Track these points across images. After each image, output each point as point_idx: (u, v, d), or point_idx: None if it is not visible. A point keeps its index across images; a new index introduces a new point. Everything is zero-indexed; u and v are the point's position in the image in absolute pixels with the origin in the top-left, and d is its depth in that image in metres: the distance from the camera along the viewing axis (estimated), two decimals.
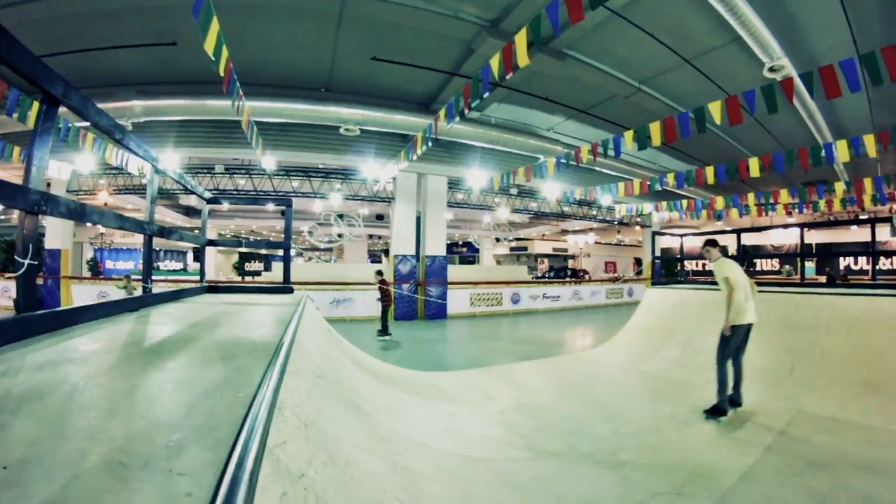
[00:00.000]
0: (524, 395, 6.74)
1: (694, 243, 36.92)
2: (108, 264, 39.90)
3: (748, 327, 6.15)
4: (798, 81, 7.03)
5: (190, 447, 1.45)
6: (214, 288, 7.09)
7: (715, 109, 7.68)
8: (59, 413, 1.65)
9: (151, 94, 12.02)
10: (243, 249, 45.21)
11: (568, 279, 34.11)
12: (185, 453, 1.40)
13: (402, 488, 2.91)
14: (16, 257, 2.85)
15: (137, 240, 39.05)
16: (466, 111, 7.87)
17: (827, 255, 33.63)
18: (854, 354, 6.64)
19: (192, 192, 6.82)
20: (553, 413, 6.00)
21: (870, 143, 9.43)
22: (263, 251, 44.34)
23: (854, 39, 9.72)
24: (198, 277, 7.66)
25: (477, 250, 43.47)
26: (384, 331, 13.04)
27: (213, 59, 6.47)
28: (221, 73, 6.81)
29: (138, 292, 5.40)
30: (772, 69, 10.00)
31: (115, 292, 17.98)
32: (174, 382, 2.10)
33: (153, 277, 5.33)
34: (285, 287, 7.22)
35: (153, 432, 1.54)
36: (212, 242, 7.63)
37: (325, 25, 9.71)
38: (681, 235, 12.87)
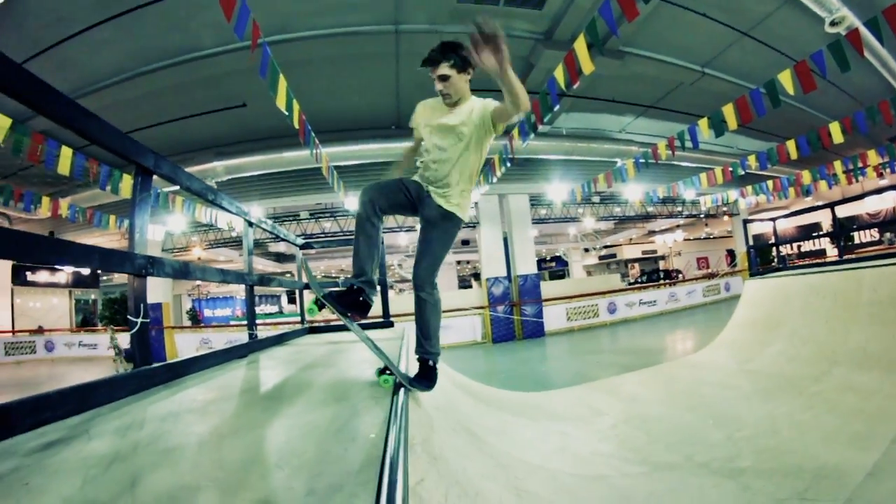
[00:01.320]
0: (632, 407, 6.60)
1: (784, 225, 35.09)
2: (207, 312, 41.95)
3: None
4: (864, 31, 6.72)
5: (335, 495, 1.46)
6: (315, 328, 7.23)
7: (786, 79, 7.43)
8: (193, 464, 1.73)
9: (229, 153, 12.70)
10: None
11: (661, 282, 33.17)
12: (331, 501, 1.42)
13: None
14: (129, 317, 3.04)
15: (231, 288, 41.23)
16: (539, 126, 7.89)
17: None
18: None
19: (284, 240, 7.04)
20: (664, 423, 5.86)
21: None
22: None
23: None
24: (293, 318, 7.89)
25: (566, 263, 43.16)
26: None
27: (287, 113, 6.75)
28: (296, 125, 7.10)
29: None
30: (833, 23, 9.56)
31: (216, 338, 18.72)
32: (301, 427, 2.15)
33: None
34: (386, 322, 7.24)
35: (292, 481, 1.56)
36: (308, 286, 7.83)
37: (385, 66, 10.04)
38: (772, 219, 12.30)
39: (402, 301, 21.73)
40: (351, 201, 16.15)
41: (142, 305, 3.06)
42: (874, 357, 6.47)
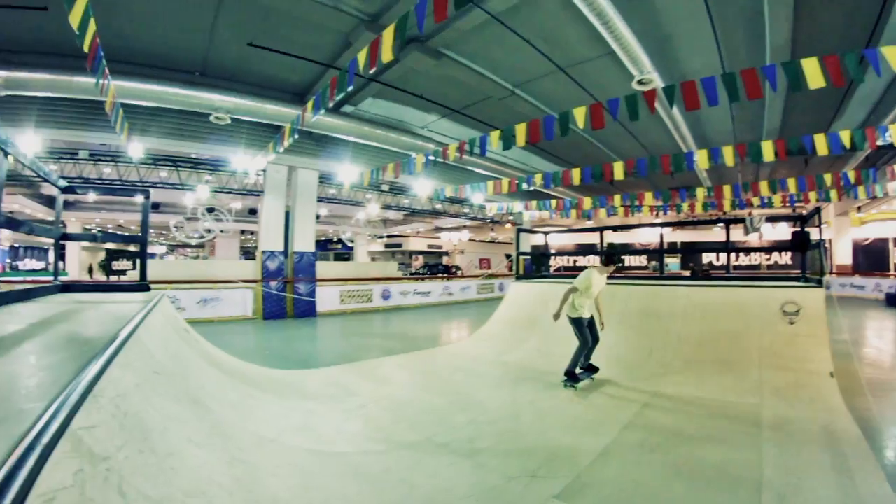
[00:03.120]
0: (385, 389, 6.77)
1: (564, 241, 39.35)
2: None
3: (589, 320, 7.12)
4: (661, 93, 7.49)
5: None
6: (69, 287, 6.56)
7: (579, 114, 8.01)
8: None
9: (15, 64, 10.91)
10: (110, 246, 42.76)
11: (439, 275, 34.58)
12: None
13: (235, 480, 2.88)
14: None
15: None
16: (331, 103, 7.82)
17: (690, 251, 36.88)
18: (709, 339, 7.30)
19: (45, 179, 6.26)
20: (412, 405, 6.07)
21: (728, 154, 10.13)
22: (132, 248, 41.56)
23: (722, 63, 10.50)
24: (63, 279, 7.10)
25: (351, 247, 43.21)
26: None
27: (78, 32, 6.06)
28: (87, 48, 6.40)
29: None
30: (640, 81, 10.54)
31: None
32: None
33: (6, 279, 4.92)
34: (141, 285, 6.78)
35: None
36: (66, 236, 7.09)
37: (204, 4, 9.29)
38: (545, 233, 13.59)
39: (176, 267, 20.59)
40: (135, 147, 14.92)
41: None
42: (618, 358, 7.42)
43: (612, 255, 7.32)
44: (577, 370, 6.95)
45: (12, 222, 5.06)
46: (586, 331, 6.96)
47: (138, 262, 7.30)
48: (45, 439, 1.37)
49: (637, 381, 6.78)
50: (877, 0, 8.24)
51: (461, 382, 7.24)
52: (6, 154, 4.54)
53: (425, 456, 4.47)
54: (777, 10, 8.51)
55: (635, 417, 5.47)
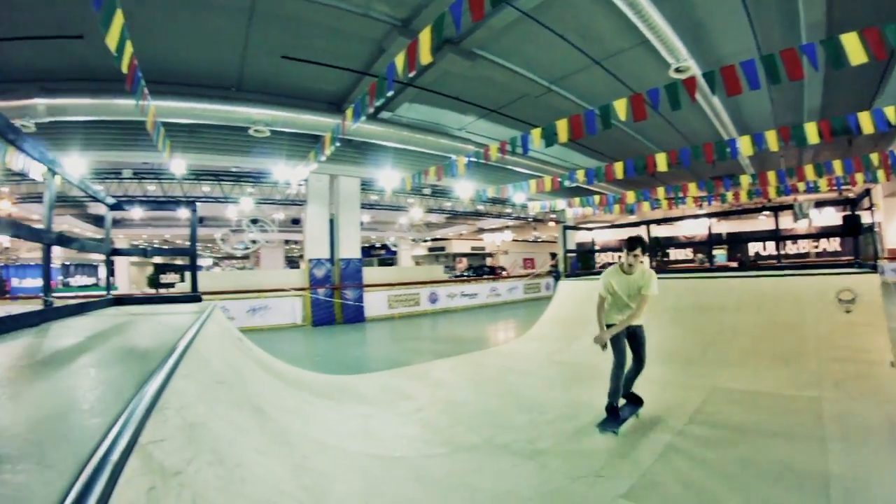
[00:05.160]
0: (440, 392, 6.73)
1: (608, 236, 38.64)
2: (15, 282, 37.57)
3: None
4: (701, 80, 7.32)
5: (63, 442, 1.47)
6: (121, 300, 6.70)
7: (620, 107, 7.88)
8: None
9: (56, 91, 11.22)
10: (157, 260, 43.45)
11: (485, 276, 34.42)
12: (58, 447, 1.43)
13: (303, 489, 2.85)
14: None
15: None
16: (371, 109, 7.81)
17: (736, 241, 35.68)
18: (764, 331, 7.06)
19: (93, 197, 6.41)
20: (469, 408, 6.02)
21: (771, 139, 9.89)
22: (178, 261, 42.10)
23: (758, 45, 10.21)
24: (103, 292, 7.25)
25: (395, 252, 43.36)
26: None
27: (116, 54, 6.17)
28: (125, 70, 6.52)
29: None
30: (678, 70, 10.34)
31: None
32: (59, 390, 2.06)
33: (60, 294, 5.02)
34: (193, 296, 6.87)
35: (31, 432, 1.56)
36: (116, 252, 7.25)
37: (236, 21, 9.40)
38: (590, 229, 13.28)
39: (224, 279, 20.93)
40: (177, 164, 15.20)
41: None
42: (673, 354, 7.15)
43: (632, 241, 5.37)
44: (620, 403, 5.45)
45: (64, 239, 5.14)
46: (619, 343, 5.52)
47: (188, 274, 7.40)
48: (115, 456, 1.34)
49: (694, 377, 6.60)
50: None
51: (516, 383, 7.16)
52: (54, 174, 4.65)
53: (487, 458, 4.42)
54: None
55: (695, 414, 5.33)
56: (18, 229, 4.13)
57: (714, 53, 10.60)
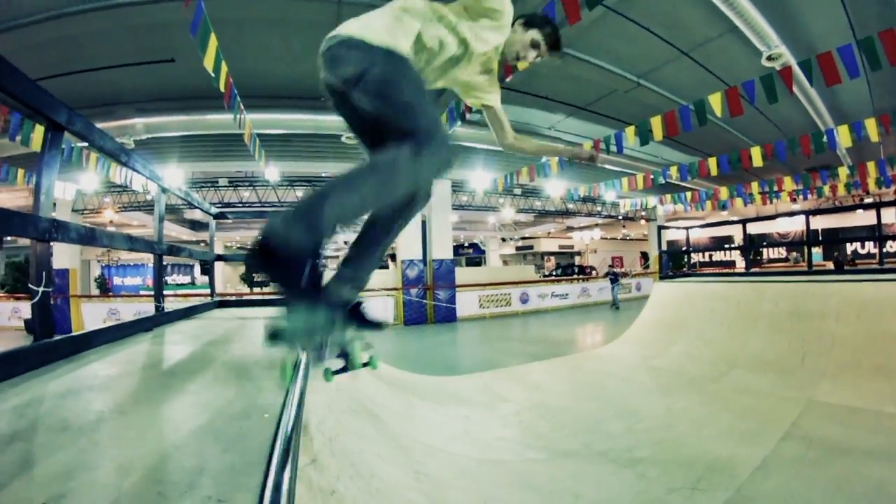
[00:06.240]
0: (537, 395, 6.74)
1: (699, 235, 37.25)
2: (117, 280, 39.99)
3: None
4: (797, 70, 7.08)
5: (225, 472, 1.47)
6: (224, 303, 7.07)
7: (715, 101, 7.73)
8: (89, 443, 1.68)
9: (151, 111, 12.10)
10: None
11: (575, 276, 33.99)
12: (220, 479, 1.43)
13: (425, 496, 2.93)
14: (30, 285, 2.83)
15: (143, 256, 39.18)
16: (468, 115, 7.90)
17: (833, 241, 33.42)
18: (865, 341, 6.63)
19: (198, 208, 6.79)
20: (566, 412, 6.01)
21: (871, 127, 9.48)
22: None
23: (850, 23, 9.73)
24: (205, 290, 7.61)
25: (483, 251, 43.43)
26: None
27: (213, 75, 6.50)
28: (222, 88, 6.85)
29: None
30: (770, 57, 10.04)
31: (125, 309, 17.99)
32: (199, 406, 2.13)
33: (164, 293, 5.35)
34: None
35: (185, 460, 1.56)
36: (220, 258, 7.62)
37: (321, 35, 9.62)
38: (686, 228, 12.86)
39: None
40: (271, 171, 15.78)
41: (44, 273, 2.86)
42: (769, 362, 6.90)
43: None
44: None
45: (174, 249, 5.57)
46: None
47: None
48: (285, 486, 1.29)
49: (790, 389, 6.34)
50: None
51: (612, 388, 7.11)
52: (164, 191, 5.03)
53: (586, 464, 4.42)
54: None
55: (792, 428, 5.13)
56: (134, 243, 4.37)
57: (805, 37, 10.16)
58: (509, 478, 4.01)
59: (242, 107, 8.39)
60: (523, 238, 50.20)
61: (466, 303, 19.10)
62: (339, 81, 2.28)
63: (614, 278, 21.64)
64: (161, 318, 4.78)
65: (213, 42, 6.23)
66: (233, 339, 3.99)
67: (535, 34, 2.95)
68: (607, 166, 18.66)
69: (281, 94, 12.18)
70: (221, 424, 1.90)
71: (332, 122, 12.56)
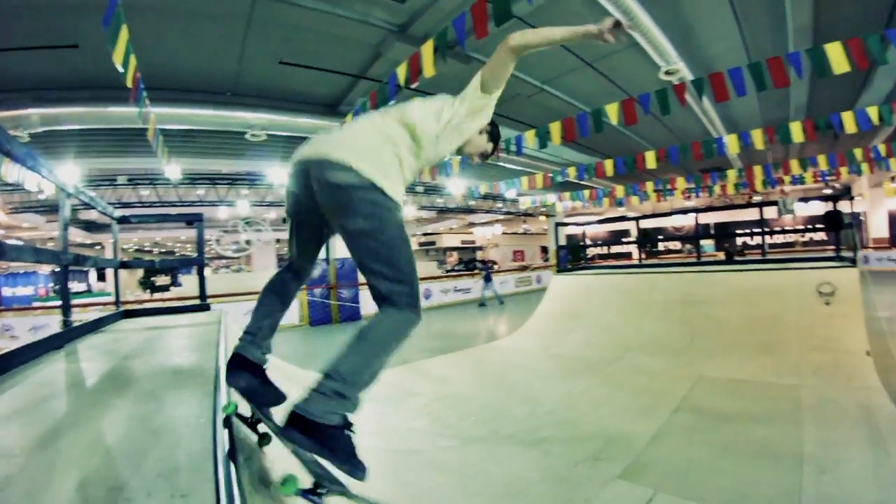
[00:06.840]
0: (444, 387, 7.01)
1: (597, 230, 39.13)
2: (6, 291, 37.14)
3: None
4: (690, 86, 7.64)
5: (179, 472, 1.66)
6: (131, 313, 6.68)
7: (612, 110, 8.19)
8: (39, 466, 1.74)
9: (49, 101, 11.23)
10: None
11: (476, 271, 34.61)
12: (176, 478, 1.61)
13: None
14: None
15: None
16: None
17: (721, 235, 36.49)
18: (749, 322, 7.39)
19: (102, 212, 6.27)
20: (473, 402, 6.27)
21: (757, 137, 10.25)
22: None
23: (745, 46, 10.55)
24: (104, 298, 7.20)
25: None
26: None
27: (122, 70, 6.32)
28: (129, 83, 6.67)
29: None
30: (668, 72, 10.66)
31: (19, 324, 16.91)
32: (136, 419, 2.22)
33: (53, 304, 4.99)
34: (202, 305, 6.96)
35: (138, 467, 1.70)
36: (125, 265, 7.26)
37: (233, 29, 9.50)
38: (583, 224, 13.56)
39: (221, 282, 21.01)
40: (173, 169, 15.26)
41: None
42: (662, 345, 7.56)
43: None
44: None
45: (80, 259, 5.12)
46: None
47: (183, 277, 7.32)
48: (234, 476, 1.52)
49: (682, 368, 6.91)
50: None
51: (515, 377, 7.46)
52: (68, 195, 4.67)
53: (495, 447, 4.69)
54: None
55: (683, 402, 5.64)
56: (40, 255, 4.15)
57: (702, 55, 10.96)
58: (423, 464, 4.24)
59: (148, 101, 8.13)
60: (426, 234, 50.80)
61: (371, 301, 18.87)
62: (332, 203, 2.31)
63: (488, 277, 21.23)
64: (72, 333, 4.49)
65: (124, 35, 5.99)
66: (148, 352, 4.04)
67: (489, 147, 2.97)
68: (508, 165, 19.11)
69: (187, 87, 11.80)
70: (163, 432, 2.02)
71: (237, 118, 12.43)
